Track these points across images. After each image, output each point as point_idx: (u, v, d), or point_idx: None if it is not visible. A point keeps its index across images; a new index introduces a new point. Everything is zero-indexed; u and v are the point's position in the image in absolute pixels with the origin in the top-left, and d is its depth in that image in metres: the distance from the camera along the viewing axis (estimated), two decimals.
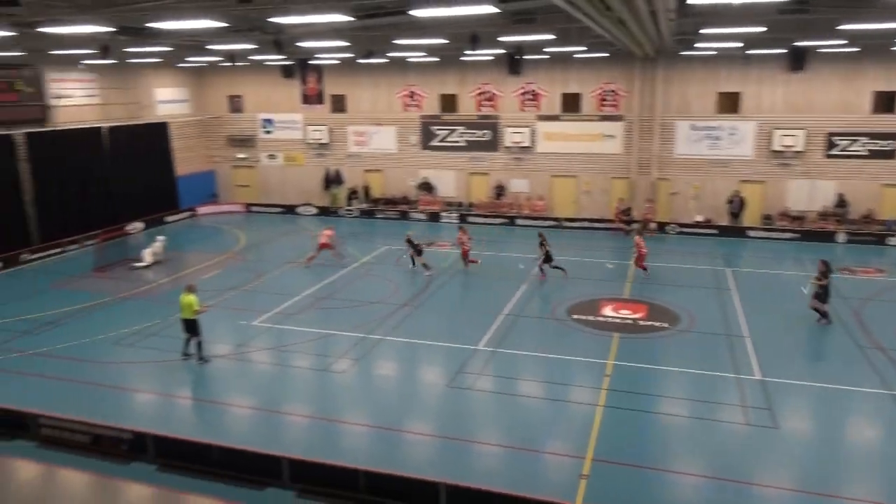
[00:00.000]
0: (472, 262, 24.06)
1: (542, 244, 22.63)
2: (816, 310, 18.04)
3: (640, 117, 30.47)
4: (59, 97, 28.62)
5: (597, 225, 30.65)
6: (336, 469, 10.86)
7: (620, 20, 15.18)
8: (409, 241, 24.04)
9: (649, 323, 18.50)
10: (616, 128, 31.15)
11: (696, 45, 23.69)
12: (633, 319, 18.77)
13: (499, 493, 10.02)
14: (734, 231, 28.94)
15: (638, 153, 30.80)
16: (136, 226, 28.08)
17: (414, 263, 24.08)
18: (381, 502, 10.50)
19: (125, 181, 31.15)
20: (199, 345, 16.07)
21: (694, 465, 11.80)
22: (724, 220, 29.92)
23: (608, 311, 19.44)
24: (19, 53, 22.69)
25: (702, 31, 19.02)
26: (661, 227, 29.86)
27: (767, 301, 20.15)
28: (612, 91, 30.82)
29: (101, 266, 24.47)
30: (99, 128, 30.22)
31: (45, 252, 26.52)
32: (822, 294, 17.89)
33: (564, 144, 32.05)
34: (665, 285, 21.89)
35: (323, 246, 24.58)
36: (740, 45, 23.96)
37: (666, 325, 18.35)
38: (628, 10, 13.73)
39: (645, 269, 22.83)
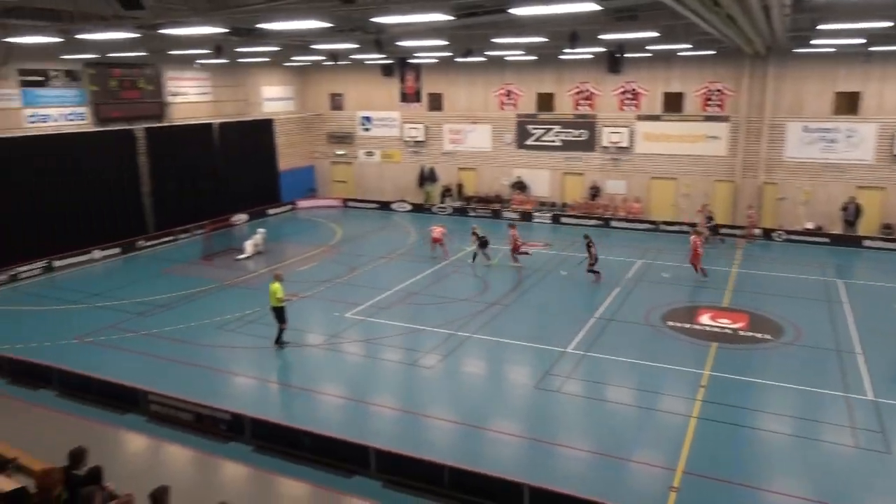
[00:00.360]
0: (523, 254, 24.24)
1: (588, 246, 22.28)
2: None
3: (748, 118, 29.07)
4: (176, 95, 30.44)
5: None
6: (422, 463, 10.99)
7: (730, 16, 14.51)
8: (475, 234, 24.53)
9: (750, 334, 17.63)
10: (721, 129, 29.86)
11: (813, 41, 22.34)
12: (733, 329, 17.94)
13: (585, 500, 9.82)
14: (848, 240, 27.06)
15: (744, 155, 29.40)
16: (241, 217, 29.50)
17: (475, 258, 24.52)
18: (465, 499, 10.53)
19: (232, 175, 32.83)
20: (281, 332, 16.71)
21: (793, 485, 11.14)
22: (838, 229, 28.07)
23: (706, 319, 18.67)
24: (142, 53, 24.31)
25: (819, 27, 17.90)
26: (767, 233, 28.39)
27: (884, 316, 18.76)
28: (718, 90, 29.55)
29: (207, 255, 25.86)
30: (210, 124, 31.93)
31: (159, 240, 28.31)
32: None
33: (665, 145, 31.04)
34: (769, 295, 20.79)
35: (435, 241, 25.36)
36: (862, 41, 22.38)
37: (768, 336, 17.43)
38: (739, 5, 13.11)
39: (703, 272, 22.26)
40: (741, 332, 17.71)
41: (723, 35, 18.57)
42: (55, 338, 17.48)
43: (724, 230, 28.73)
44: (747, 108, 28.95)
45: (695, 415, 13.26)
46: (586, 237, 22.66)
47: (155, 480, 8.32)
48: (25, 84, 24.58)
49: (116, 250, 26.41)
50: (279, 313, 16.63)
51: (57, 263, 24.30)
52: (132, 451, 12.53)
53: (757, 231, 27.93)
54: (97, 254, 25.70)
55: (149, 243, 27.81)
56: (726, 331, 17.83)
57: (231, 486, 11.23)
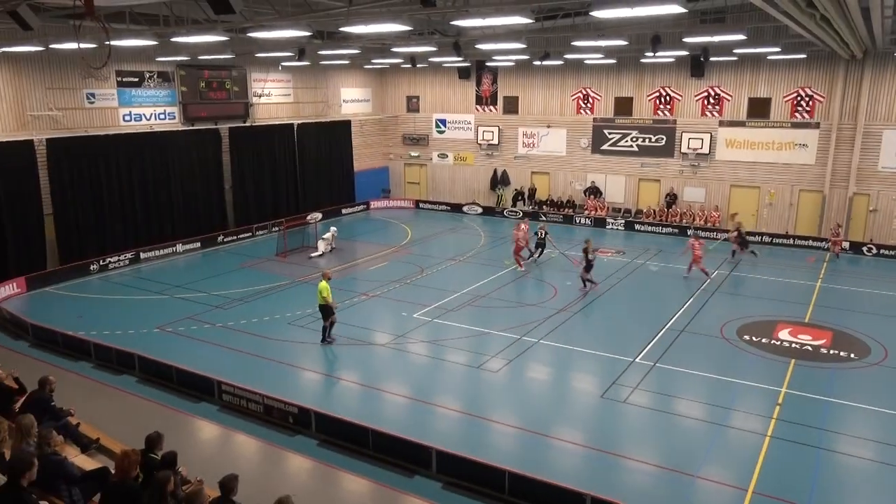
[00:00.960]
0: (519, 261, 24.07)
1: (585, 251, 21.58)
2: None
3: (840, 125, 27.64)
4: (259, 95, 31.51)
5: (777, 241, 28.25)
6: (484, 466, 10.95)
7: (825, 18, 13.83)
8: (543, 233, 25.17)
9: (833, 352, 16.74)
10: (810, 136, 28.51)
11: None
12: (814, 346, 17.08)
13: None
14: None
15: (833, 164, 27.97)
16: (316, 216, 30.23)
17: (531, 255, 25.07)
18: None
19: (309, 174, 33.77)
20: (324, 329, 17.11)
21: None
22: None
23: (785, 334, 17.85)
24: (229, 56, 25.31)
25: None
26: (857, 247, 26.90)
27: None
28: (809, 96, 28.23)
29: (283, 251, 26.63)
30: (291, 124, 32.90)
31: (238, 236, 29.36)
32: None
33: (748, 152, 29.90)
34: (856, 312, 19.69)
35: (518, 245, 24.62)
36: None
37: (853, 355, 16.50)
38: (836, 7, 12.47)
39: (705, 272, 22.83)
40: (823, 350, 16.84)
41: (815, 38, 17.72)
42: (138, 326, 18.39)
43: (809, 243, 27.48)
44: (839, 114, 27.54)
45: (769, 434, 12.69)
46: (587, 242, 21.91)
47: (224, 468, 8.62)
48: (122, 84, 25.98)
49: (197, 244, 27.56)
50: (325, 311, 17.01)
51: (143, 255, 25.58)
52: (204, 438, 13.03)
53: (837, 249, 26.21)
54: (180, 247, 26.90)
55: (228, 239, 28.89)
56: (807, 347, 16.99)
57: (296, 478, 11.51)
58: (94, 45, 17.53)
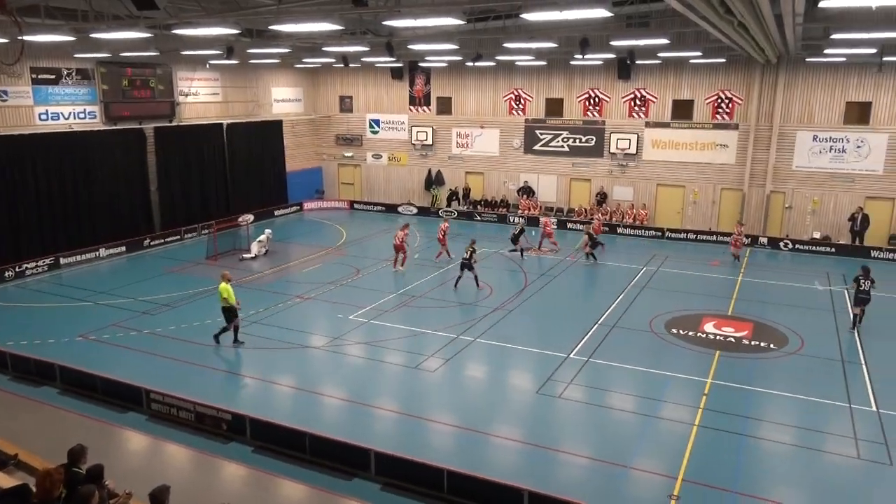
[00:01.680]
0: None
1: (469, 249, 21.64)
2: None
3: (757, 126, 28.99)
4: (186, 94, 30.58)
5: (702, 237, 29.40)
6: (422, 466, 10.98)
7: (742, 24, 14.49)
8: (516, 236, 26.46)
9: (754, 342, 17.55)
10: (730, 137, 29.79)
11: (825, 51, 22.26)
12: (737, 338, 17.86)
13: None
14: (855, 251, 26.90)
15: (752, 164, 29.32)
16: (248, 217, 29.55)
17: (522, 255, 26.10)
18: (464, 503, 10.52)
19: (240, 175, 33.00)
20: (232, 329, 16.90)
21: (795, 495, 11.08)
22: (845, 239, 27.93)
23: (710, 327, 18.60)
24: (153, 53, 24.44)
25: (833, 37, 17.84)
26: (774, 242, 28.27)
27: (889, 327, 18.65)
28: (728, 98, 29.48)
29: (213, 255, 25.93)
30: (220, 124, 32.07)
31: (165, 239, 28.41)
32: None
33: (673, 153, 30.99)
34: (774, 304, 20.69)
35: (547, 235, 27.16)
36: (874, 51, 22.29)
37: (773, 345, 17.35)
38: (752, 14, 13.08)
39: (554, 244, 26.57)
40: (745, 341, 17.63)
41: (734, 43, 18.54)
42: (59, 335, 17.57)
43: (729, 239, 28.68)
44: (756, 116, 28.88)
45: (696, 423, 13.20)
46: (472, 242, 22.10)
47: (155, 479, 8.33)
48: (37, 82, 24.74)
49: (122, 249, 26.52)
50: (229, 313, 16.75)
51: (63, 261, 24.43)
52: (133, 449, 12.56)
53: (740, 246, 26.09)
54: (103, 252, 25.82)
55: (155, 242, 27.91)
56: (730, 339, 17.75)
57: (231, 486, 11.24)
58: (5, 40, 16.63)
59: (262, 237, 26.49)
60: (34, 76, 24.56)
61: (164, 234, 28.65)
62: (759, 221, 29.60)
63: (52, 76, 25.19)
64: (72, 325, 18.31)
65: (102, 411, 13.55)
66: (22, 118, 24.36)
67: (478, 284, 21.87)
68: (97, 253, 25.59)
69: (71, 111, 26.00)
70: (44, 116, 25.08)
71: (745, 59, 27.34)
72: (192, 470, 11.86)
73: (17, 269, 22.89)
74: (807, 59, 26.35)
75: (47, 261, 23.89)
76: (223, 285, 16.57)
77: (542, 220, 28.01)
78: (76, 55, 24.71)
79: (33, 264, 23.47)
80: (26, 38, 16.48)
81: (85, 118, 26.51)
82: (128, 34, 17.05)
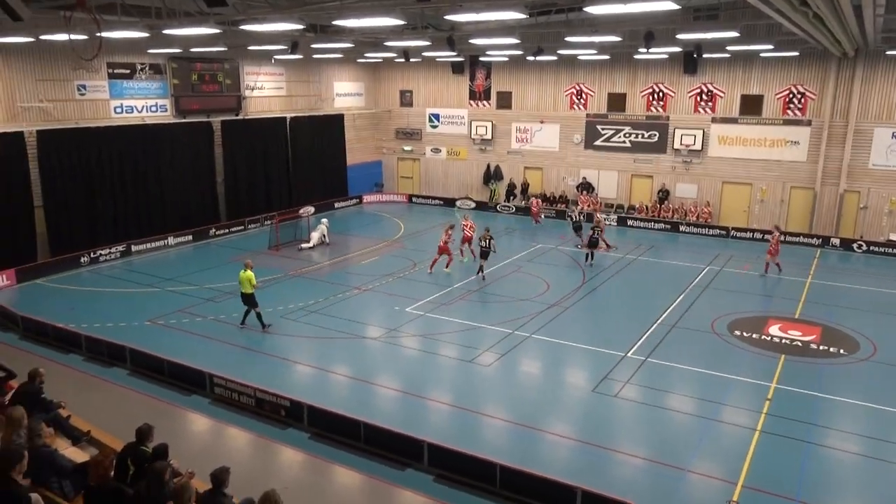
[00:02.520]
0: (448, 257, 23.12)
1: (486, 237, 22.11)
2: None
3: (831, 122, 27.78)
4: (252, 89, 31.36)
5: (769, 237, 28.34)
6: (475, 460, 10.99)
7: (817, 16, 13.89)
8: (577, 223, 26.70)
9: (822, 347, 16.86)
10: (801, 133, 28.64)
11: None
12: (804, 342, 17.20)
13: None
14: None
15: (825, 162, 28.12)
16: (308, 209, 30.16)
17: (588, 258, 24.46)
18: (515, 499, 10.48)
19: (302, 168, 33.66)
20: (259, 315, 17.45)
21: None
22: None
23: (775, 330, 17.96)
24: (222, 49, 25.16)
25: None
26: (847, 244, 27.07)
27: None
28: (801, 93, 28.34)
29: (275, 245, 26.55)
30: (284, 118, 32.77)
31: (230, 229, 29.26)
32: None
33: (740, 149, 30.01)
34: (845, 308, 19.83)
35: (465, 239, 24.64)
36: None
37: (842, 351, 16.63)
38: (827, 4, 12.53)
39: (473, 254, 23.72)
40: (813, 346, 16.96)
41: (808, 35, 17.80)
42: (129, 319, 18.32)
43: (799, 239, 27.64)
44: (831, 112, 27.68)
45: (759, 428, 12.79)
46: (486, 230, 22.55)
47: (216, 461, 8.60)
48: (113, 76, 25.80)
49: (189, 237, 27.45)
50: (250, 299, 17.35)
51: (134, 248, 25.46)
52: (196, 431, 13.01)
53: (776, 254, 23.32)
54: (171, 240, 26.78)
55: (220, 232, 28.78)
56: (796, 343, 17.11)
57: (288, 471, 11.51)
58: (84, 37, 17.39)
59: (322, 226, 26.97)
60: (110, 71, 25.62)
61: (229, 224, 29.51)
62: (831, 222, 28.39)
63: (127, 71, 26.23)
64: (141, 310, 19.08)
65: (168, 393, 14.09)
66: (99, 111, 25.46)
67: (481, 273, 22.27)
68: (166, 241, 26.58)
69: (144, 104, 27.02)
70: (119, 109, 26.14)
71: (819, 53, 26.24)
72: (250, 453, 12.21)
73: (91, 255, 23.98)
74: (887, 52, 25.09)
75: (120, 248, 24.95)
76: (247, 273, 17.23)
77: (462, 222, 25.20)
78: (149, 51, 25.64)
79: (107, 251, 24.55)
80: (104, 34, 17.18)
81: (156, 111, 27.51)
82: (198, 30, 17.56)
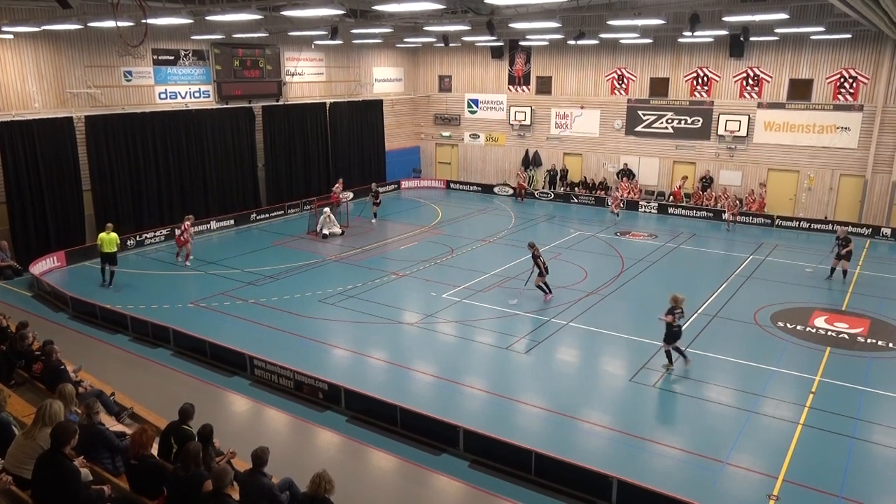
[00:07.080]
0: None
1: (535, 257, 18.55)
2: None
3: (885, 108, 26.80)
4: (292, 74, 31.61)
5: (816, 226, 27.61)
6: (510, 447, 11.01)
7: None
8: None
9: (871, 340, 16.38)
10: (853, 119, 27.70)
11: None
12: (851, 335, 16.73)
13: (675, 499, 9.53)
14: None
15: (877, 148, 27.17)
16: (347, 195, 30.37)
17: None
18: (551, 486, 10.47)
19: (341, 153, 33.88)
20: (113, 273, 19.71)
21: None
22: None
23: (821, 322, 17.51)
24: (263, 35, 25.38)
25: None
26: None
27: None
28: (853, 77, 27.38)
29: (314, 230, 26.83)
30: (324, 103, 32.99)
31: (270, 214, 29.66)
32: None
33: (787, 135, 29.17)
34: (895, 300, 19.21)
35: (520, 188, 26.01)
36: None
37: (892, 345, 16.14)
38: None
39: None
40: (860, 339, 16.49)
41: (862, 17, 17.15)
42: (173, 300, 18.77)
43: (848, 229, 26.81)
44: (885, 97, 26.69)
45: (802, 422, 12.51)
46: (532, 247, 18.89)
47: (255, 441, 8.78)
48: (158, 63, 26.27)
49: (231, 222, 27.92)
50: (114, 258, 19.66)
51: (178, 232, 25.93)
52: (237, 411, 13.29)
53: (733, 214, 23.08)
54: (213, 224, 27.27)
55: (260, 217, 29.20)
56: (843, 336, 16.65)
57: (325, 452, 11.69)
58: (131, 24, 17.73)
59: (324, 216, 26.56)
60: (155, 57, 26.08)
61: (270, 209, 29.90)
62: (882, 211, 27.48)
63: (171, 57, 26.67)
64: (184, 293, 19.53)
65: (210, 374, 14.41)
66: (144, 97, 25.97)
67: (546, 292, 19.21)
68: (208, 225, 27.08)
69: (187, 90, 27.47)
70: (163, 95, 26.63)
71: (874, 35, 25.30)
72: (289, 434, 12.43)
73: (137, 239, 24.59)
74: None
75: (164, 231, 25.51)
76: (112, 235, 19.50)
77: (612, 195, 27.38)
78: (192, 37, 26.02)
79: (152, 234, 25.14)
80: (149, 21, 17.51)
81: (200, 97, 27.94)
82: (240, 16, 17.76)
